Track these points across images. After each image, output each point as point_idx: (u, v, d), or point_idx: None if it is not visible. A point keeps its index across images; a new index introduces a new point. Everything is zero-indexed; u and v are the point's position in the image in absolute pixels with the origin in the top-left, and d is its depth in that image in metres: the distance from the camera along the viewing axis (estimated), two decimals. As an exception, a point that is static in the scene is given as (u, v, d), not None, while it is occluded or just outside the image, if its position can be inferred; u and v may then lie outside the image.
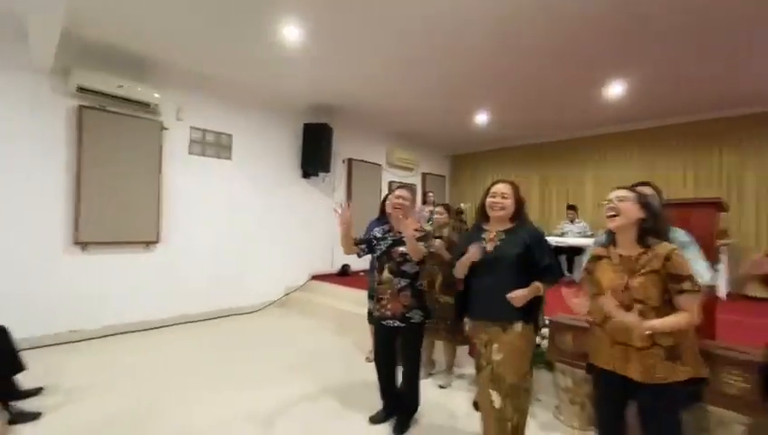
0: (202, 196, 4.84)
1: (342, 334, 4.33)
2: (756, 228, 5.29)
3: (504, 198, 1.91)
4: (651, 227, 1.52)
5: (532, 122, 6.52)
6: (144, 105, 4.18)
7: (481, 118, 6.23)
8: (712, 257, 2.41)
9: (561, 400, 2.41)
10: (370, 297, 3.00)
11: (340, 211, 2.23)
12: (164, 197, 4.48)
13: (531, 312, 1.86)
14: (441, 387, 3.04)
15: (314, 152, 5.76)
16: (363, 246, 2.40)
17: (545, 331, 2.53)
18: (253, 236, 5.34)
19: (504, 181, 1.99)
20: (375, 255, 2.40)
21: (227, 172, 5.09)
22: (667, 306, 1.43)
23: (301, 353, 3.72)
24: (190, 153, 4.74)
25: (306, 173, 5.94)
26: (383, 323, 2.28)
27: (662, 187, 6.38)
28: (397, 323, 2.24)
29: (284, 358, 3.58)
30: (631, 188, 1.71)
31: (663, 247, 1.48)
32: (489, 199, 1.94)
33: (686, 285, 1.40)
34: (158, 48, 4.06)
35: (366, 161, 6.90)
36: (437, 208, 3.19)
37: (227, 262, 5.06)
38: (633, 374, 1.45)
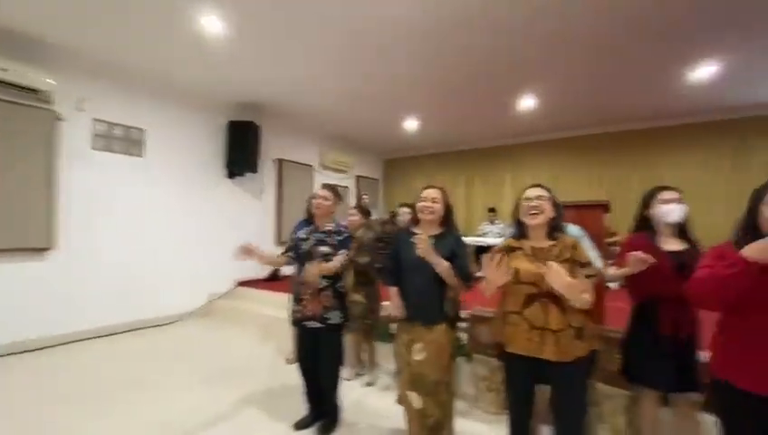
0: (108, 196, 4.35)
1: (268, 341, 4.17)
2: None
3: (434, 202, 2.00)
4: (557, 223, 1.73)
5: (458, 130, 6.92)
6: (32, 92, 3.65)
7: (411, 124, 6.45)
8: (603, 251, 2.77)
9: (479, 388, 2.58)
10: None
11: (245, 255, 2.26)
12: (60, 196, 3.94)
13: (448, 311, 1.94)
14: (369, 385, 3.07)
15: (241, 151, 5.50)
16: (291, 254, 2.36)
17: (464, 325, 2.68)
18: (171, 240, 4.93)
19: (434, 186, 2.08)
20: (296, 254, 2.37)
21: (139, 170, 4.64)
22: None
23: (221, 363, 3.52)
24: (93, 148, 4.24)
25: (232, 173, 5.64)
26: (304, 324, 2.25)
27: (569, 190, 7.07)
28: (317, 325, 2.21)
29: (202, 369, 3.35)
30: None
31: (568, 239, 1.68)
32: (420, 203, 2.02)
33: (589, 271, 1.61)
34: (54, 29, 3.58)
35: (297, 162, 6.75)
36: (350, 210, 3.21)
37: (140, 269, 4.60)
38: (549, 355, 1.55)
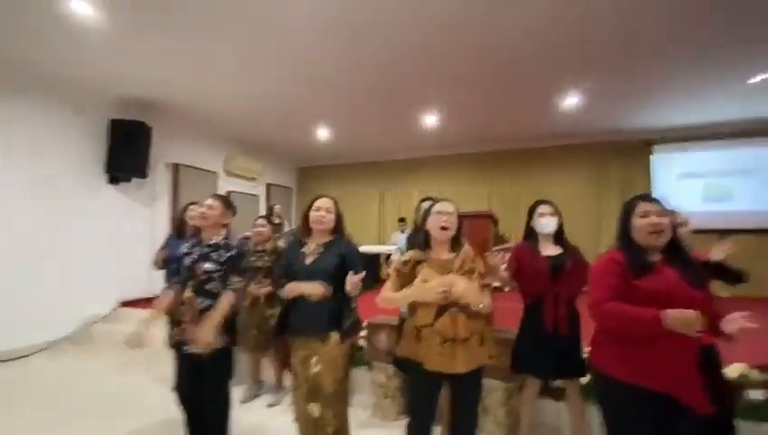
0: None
1: (154, 369, 3.70)
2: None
3: (327, 211, 1.98)
4: (458, 236, 1.81)
5: (371, 142, 7.08)
6: None
7: (324, 133, 6.41)
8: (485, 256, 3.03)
9: (378, 395, 2.59)
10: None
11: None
12: None
13: (342, 322, 1.91)
14: (270, 406, 2.90)
15: (126, 154, 4.88)
16: (176, 279, 2.13)
17: (363, 333, 2.69)
18: (33, 254, 4.13)
19: (326, 196, 2.06)
20: (176, 271, 2.14)
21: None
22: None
23: (94, 397, 3.02)
24: None
25: (115, 178, 4.97)
26: (183, 349, 2.02)
27: (469, 203, 7.54)
28: (198, 350, 2.01)
29: (68, 406, 2.84)
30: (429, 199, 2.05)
31: (467, 250, 1.76)
32: (312, 213, 1.97)
33: (488, 280, 1.73)
34: None
35: (198, 168, 6.22)
36: (258, 221, 3.04)
37: (-17, 292, 3.77)
38: (459, 368, 1.60)
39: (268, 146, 7.40)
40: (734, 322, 1.27)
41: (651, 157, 6.36)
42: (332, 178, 8.63)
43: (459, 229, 1.77)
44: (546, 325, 2.05)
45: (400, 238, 2.61)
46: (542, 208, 2.21)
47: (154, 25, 3.31)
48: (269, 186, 7.98)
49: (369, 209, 8.26)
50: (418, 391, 1.70)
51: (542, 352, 2.05)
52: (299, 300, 1.89)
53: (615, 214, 1.69)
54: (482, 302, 1.60)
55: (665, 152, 6.29)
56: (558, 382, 2.35)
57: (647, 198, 1.47)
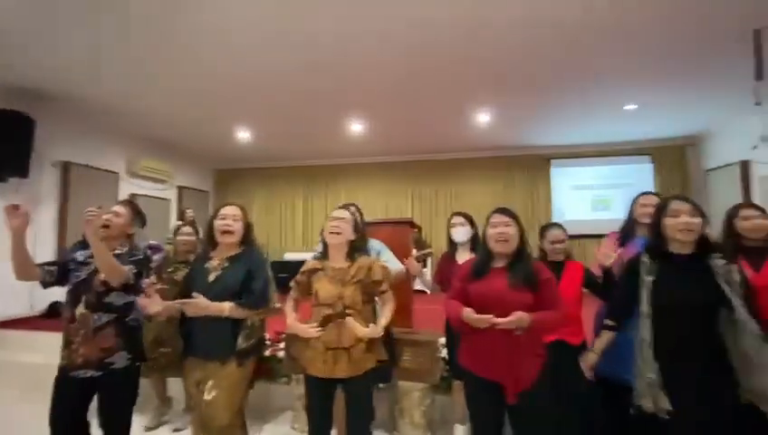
0: None
1: (33, 400, 3.18)
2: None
3: (234, 220, 1.85)
4: (357, 245, 1.84)
5: (297, 145, 6.92)
6: None
7: (244, 134, 6.12)
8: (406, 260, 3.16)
9: (296, 407, 2.54)
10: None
11: (9, 213, 1.70)
12: None
13: (251, 344, 1.83)
14: (176, 431, 2.67)
15: (4, 151, 4.15)
16: (52, 269, 1.85)
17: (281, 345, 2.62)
18: None
19: (232, 204, 1.94)
20: (70, 285, 1.88)
21: None
22: (365, 308, 1.76)
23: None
24: None
25: (-15, 177, 4.19)
26: (71, 375, 1.77)
27: (394, 209, 7.75)
28: (90, 374, 1.76)
29: None
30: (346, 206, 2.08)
31: (365, 260, 1.80)
32: (217, 222, 1.84)
33: (384, 287, 1.78)
34: None
35: (94, 167, 5.49)
36: (184, 228, 2.77)
37: None
38: (341, 373, 1.66)
39: (181, 145, 6.83)
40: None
41: (550, 170, 7.18)
42: (254, 182, 8.26)
43: (357, 239, 1.82)
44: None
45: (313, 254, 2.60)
46: (455, 220, 2.41)
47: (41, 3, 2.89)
48: (181, 189, 7.34)
49: (294, 215, 8.07)
50: (310, 396, 1.75)
51: None
52: (201, 318, 1.75)
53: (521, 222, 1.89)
54: (368, 333, 1.67)
55: (561, 166, 7.15)
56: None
57: (499, 209, 1.67)
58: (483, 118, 5.45)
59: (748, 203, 2.24)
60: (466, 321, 1.49)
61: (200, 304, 1.70)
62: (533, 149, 7.05)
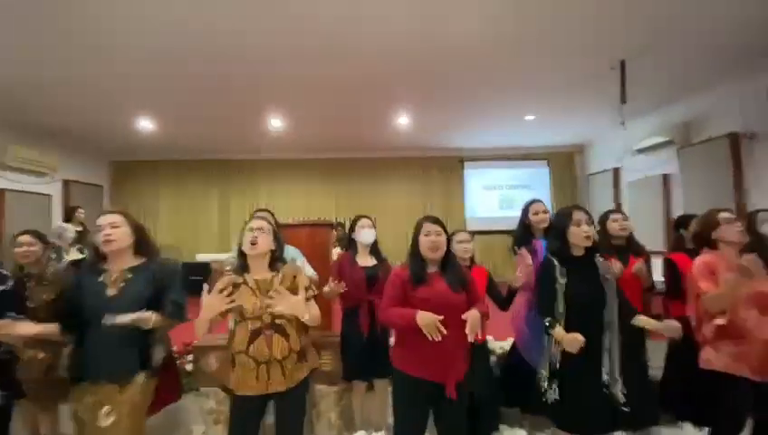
0: None
1: None
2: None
3: (113, 227, 1.65)
4: (278, 255, 1.80)
5: (210, 138, 6.44)
6: None
7: (145, 123, 5.52)
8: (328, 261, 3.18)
9: (207, 422, 2.42)
10: None
11: None
12: None
13: (150, 359, 1.69)
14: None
15: None
16: None
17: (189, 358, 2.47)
18: None
19: (111, 211, 1.74)
20: None
21: None
22: (294, 317, 1.69)
23: None
24: None
25: None
26: None
27: (316, 208, 7.62)
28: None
29: None
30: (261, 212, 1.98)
31: (289, 269, 1.76)
32: (99, 233, 1.64)
33: (310, 293, 1.74)
34: None
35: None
36: (22, 237, 2.12)
37: None
38: (277, 387, 1.60)
39: (68, 133, 5.90)
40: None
41: (464, 171, 7.71)
42: (160, 176, 7.50)
43: (277, 248, 1.77)
44: (362, 331, 2.25)
45: (229, 255, 2.47)
46: (363, 222, 2.41)
47: None
48: (67, 183, 6.36)
49: (208, 213, 7.51)
50: (238, 417, 1.66)
51: (363, 359, 2.24)
52: (94, 335, 1.58)
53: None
54: (306, 313, 1.65)
55: (473, 168, 7.74)
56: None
57: (430, 218, 1.77)
58: (402, 120, 5.65)
59: (616, 209, 2.68)
60: (421, 322, 1.51)
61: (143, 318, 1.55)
62: (449, 151, 7.51)
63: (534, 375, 1.84)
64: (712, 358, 1.82)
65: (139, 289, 1.64)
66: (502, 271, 6.98)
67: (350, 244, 2.48)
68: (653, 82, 4.43)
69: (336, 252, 6.31)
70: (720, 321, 1.78)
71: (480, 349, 2.19)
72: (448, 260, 1.74)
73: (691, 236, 2.32)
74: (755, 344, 1.69)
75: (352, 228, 2.45)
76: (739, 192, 4.22)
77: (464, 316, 1.56)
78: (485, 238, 7.44)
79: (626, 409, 1.65)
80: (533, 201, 2.54)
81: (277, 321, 1.64)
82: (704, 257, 1.90)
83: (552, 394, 1.68)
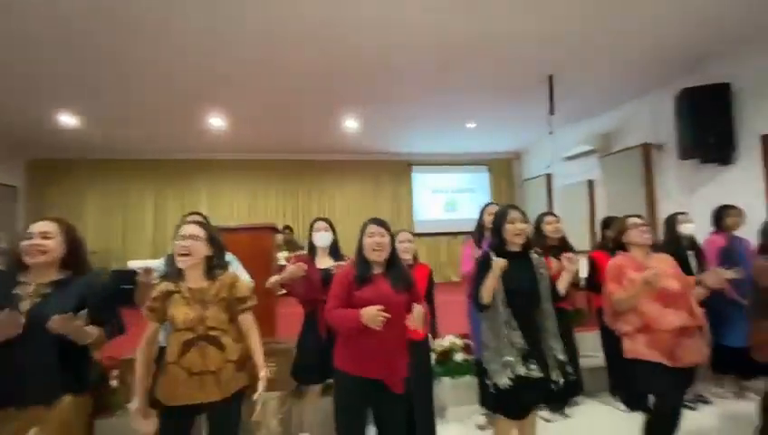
0: None
1: None
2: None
3: (45, 238, 1.51)
4: (216, 262, 1.71)
5: (140, 136, 6.00)
6: None
7: (67, 119, 5.03)
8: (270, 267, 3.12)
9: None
10: None
11: None
12: None
13: (81, 377, 1.56)
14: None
15: None
16: None
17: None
18: None
19: (47, 219, 1.58)
20: None
21: None
22: (231, 327, 1.64)
23: None
24: None
25: None
26: None
27: (262, 210, 7.38)
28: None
29: None
30: (201, 223, 1.86)
31: (227, 277, 1.68)
32: (25, 242, 1.49)
33: (249, 303, 1.68)
34: None
35: None
36: None
37: None
38: (212, 397, 1.52)
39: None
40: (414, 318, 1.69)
41: (412, 175, 7.91)
42: (85, 177, 6.82)
43: (214, 254, 1.70)
44: (320, 332, 2.23)
45: (159, 262, 2.34)
46: (318, 224, 2.43)
47: None
48: (-30, 183, 5.63)
49: (142, 216, 6.98)
50: (165, 430, 1.58)
51: (319, 360, 2.19)
52: (7, 359, 1.40)
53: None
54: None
55: (421, 172, 7.95)
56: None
57: (375, 220, 1.81)
58: (351, 123, 5.67)
59: (549, 212, 2.94)
60: (366, 318, 1.54)
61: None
62: (398, 156, 7.67)
63: None
64: (630, 348, 2.01)
65: (58, 307, 1.46)
66: (447, 272, 7.25)
67: (309, 247, 2.48)
68: (579, 96, 4.87)
69: (282, 256, 6.24)
70: (627, 328, 2.00)
71: (420, 346, 2.27)
72: (393, 261, 1.79)
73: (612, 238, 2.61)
74: (662, 334, 1.90)
75: (311, 230, 2.47)
76: (650, 197, 4.75)
77: (413, 309, 1.63)
78: (431, 240, 7.70)
79: (573, 377, 1.85)
80: (489, 204, 2.76)
81: (211, 332, 1.57)
82: (615, 260, 2.11)
83: (507, 381, 1.75)
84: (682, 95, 3.91)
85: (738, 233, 2.87)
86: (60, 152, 6.56)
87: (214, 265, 1.70)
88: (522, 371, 1.74)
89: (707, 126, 3.74)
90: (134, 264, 6.07)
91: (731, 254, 2.71)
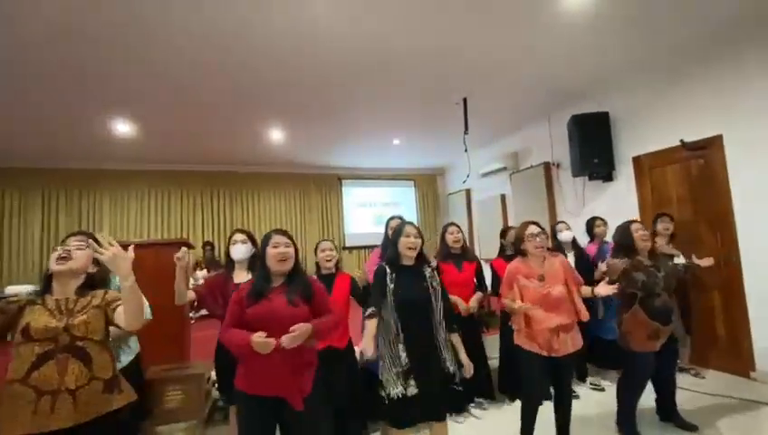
0: None
1: None
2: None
3: None
4: (97, 280, 1.58)
5: (25, 143, 5.20)
6: None
7: None
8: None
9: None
10: None
11: None
12: None
13: None
14: None
15: None
16: None
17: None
18: None
19: None
20: None
21: None
22: (107, 340, 1.51)
23: None
24: None
25: None
26: None
27: (176, 226, 6.80)
28: None
29: None
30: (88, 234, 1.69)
31: (101, 292, 1.54)
32: None
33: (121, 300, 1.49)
34: None
35: None
36: None
37: None
38: (67, 422, 1.32)
39: None
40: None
41: (341, 189, 7.92)
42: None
43: (96, 273, 1.58)
44: None
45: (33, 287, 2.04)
46: (236, 236, 2.32)
47: None
48: None
49: (25, 234, 5.95)
50: None
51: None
52: None
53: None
54: (131, 276, 1.40)
55: (350, 186, 8.01)
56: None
57: (278, 231, 1.77)
58: (275, 136, 5.53)
59: (452, 223, 3.14)
60: (256, 347, 1.48)
61: None
62: (328, 169, 7.65)
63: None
64: (515, 337, 2.26)
65: None
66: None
67: (227, 261, 2.33)
68: (490, 118, 5.33)
69: (202, 275, 5.78)
70: (516, 324, 2.26)
71: (341, 357, 2.25)
72: (296, 273, 1.75)
73: (511, 244, 2.89)
74: (542, 331, 2.13)
75: (228, 244, 2.33)
76: (552, 209, 5.33)
77: (291, 328, 1.54)
78: (361, 253, 7.75)
79: (459, 388, 1.92)
80: (392, 217, 2.86)
81: (78, 342, 1.39)
82: (512, 265, 2.32)
83: (412, 390, 1.80)
84: (572, 121, 4.49)
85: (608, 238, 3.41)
86: None
87: (93, 285, 1.56)
88: (399, 389, 1.81)
89: (592, 148, 4.34)
90: (14, 289, 5.23)
91: (600, 258, 3.26)
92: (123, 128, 4.84)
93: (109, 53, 3.21)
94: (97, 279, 1.62)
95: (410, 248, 1.96)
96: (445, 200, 8.42)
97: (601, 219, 3.61)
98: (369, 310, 1.92)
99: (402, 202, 8.21)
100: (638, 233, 2.39)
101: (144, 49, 3.18)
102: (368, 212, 8.09)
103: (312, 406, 1.61)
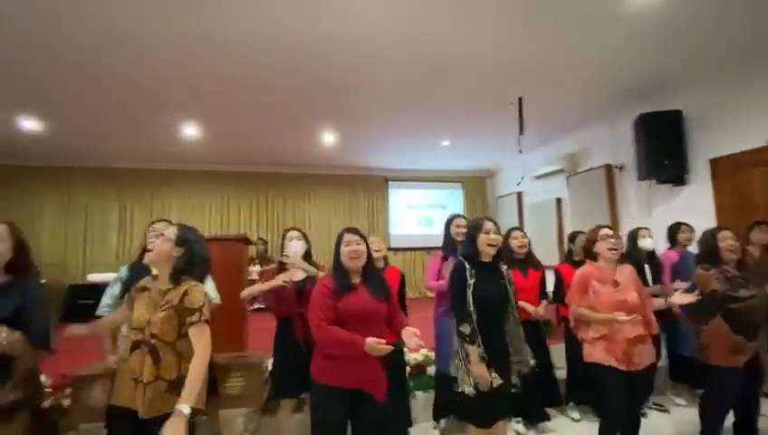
0: None
1: None
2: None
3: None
4: (182, 267, 1.56)
5: (105, 144, 5.77)
6: None
7: (29, 123, 4.77)
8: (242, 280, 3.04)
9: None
10: None
11: None
12: None
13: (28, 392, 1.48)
14: None
15: None
16: None
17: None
18: None
19: None
20: None
21: None
22: (181, 343, 1.50)
23: None
24: None
25: None
26: None
27: (235, 222, 7.19)
28: None
29: None
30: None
31: (188, 283, 1.55)
32: None
33: (195, 317, 1.48)
34: None
35: None
36: None
37: None
38: (140, 409, 1.42)
39: None
40: (409, 337, 1.70)
41: (388, 190, 7.97)
42: (44, 183, 6.42)
43: (180, 259, 1.58)
44: (298, 342, 2.18)
45: (122, 269, 2.24)
46: (291, 233, 2.39)
47: None
48: None
49: (106, 226, 6.63)
50: (110, 431, 1.51)
51: (297, 373, 2.11)
52: None
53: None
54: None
55: (397, 188, 8.03)
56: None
57: (350, 229, 1.83)
58: (327, 138, 5.69)
59: (517, 227, 3.03)
60: (371, 351, 1.58)
61: None
62: (374, 171, 7.73)
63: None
64: (589, 352, 2.11)
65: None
66: (422, 287, 7.27)
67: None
68: (547, 118, 5.11)
69: (255, 270, 6.07)
70: (593, 334, 2.09)
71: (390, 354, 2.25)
72: (370, 270, 1.80)
73: (580, 248, 2.73)
74: (619, 343, 2.00)
75: (283, 241, 2.41)
76: (613, 214, 4.99)
77: (403, 333, 1.69)
78: (406, 254, 7.74)
79: (515, 390, 1.89)
80: (456, 216, 2.74)
81: (153, 340, 1.46)
82: (582, 270, 2.19)
83: (471, 389, 1.78)
84: (639, 120, 4.18)
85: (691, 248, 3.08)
86: (16, 158, 6.17)
87: (180, 269, 1.56)
88: (473, 387, 1.77)
89: (662, 149, 4.01)
90: (95, 278, 5.77)
91: (683, 267, 2.91)
92: (190, 131, 5.21)
93: (182, 64, 3.49)
94: (180, 266, 1.57)
95: (491, 245, 1.91)
96: (494, 203, 8.18)
97: (687, 225, 3.24)
98: (466, 330, 1.82)
99: (449, 204, 8.09)
100: (726, 242, 2.15)
101: (212, 58, 3.42)
102: (413, 214, 8.06)
103: (389, 397, 1.71)
